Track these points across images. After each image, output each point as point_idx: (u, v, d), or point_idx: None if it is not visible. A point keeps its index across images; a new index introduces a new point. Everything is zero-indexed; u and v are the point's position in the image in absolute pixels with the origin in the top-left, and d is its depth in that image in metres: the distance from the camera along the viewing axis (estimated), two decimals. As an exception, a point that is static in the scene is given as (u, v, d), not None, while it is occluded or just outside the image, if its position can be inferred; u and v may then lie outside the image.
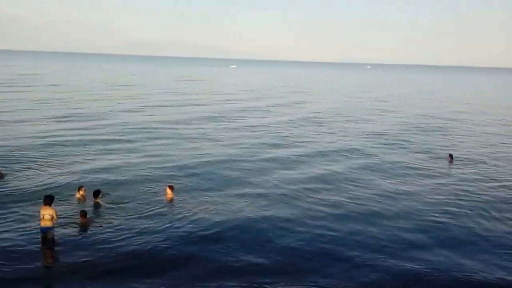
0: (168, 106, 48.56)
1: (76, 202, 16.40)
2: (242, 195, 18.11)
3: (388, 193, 18.92)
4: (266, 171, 21.96)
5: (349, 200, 17.86)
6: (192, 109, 46.02)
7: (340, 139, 31.65)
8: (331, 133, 34.39)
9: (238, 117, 41.63)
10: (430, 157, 26.38)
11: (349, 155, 26.35)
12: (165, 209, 16.16)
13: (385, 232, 14.72)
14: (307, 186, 19.66)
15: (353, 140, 31.44)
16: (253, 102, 56.02)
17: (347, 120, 42.00)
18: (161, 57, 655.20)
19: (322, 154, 26.40)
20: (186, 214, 15.65)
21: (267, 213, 16.07)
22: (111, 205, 16.22)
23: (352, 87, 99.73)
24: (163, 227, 14.53)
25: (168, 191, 17.54)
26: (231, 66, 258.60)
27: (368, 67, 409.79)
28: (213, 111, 45.10)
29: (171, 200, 17.16)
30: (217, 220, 15.24)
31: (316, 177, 21.21)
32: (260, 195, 18.10)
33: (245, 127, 35.62)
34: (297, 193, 18.51)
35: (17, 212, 15.25)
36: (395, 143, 30.59)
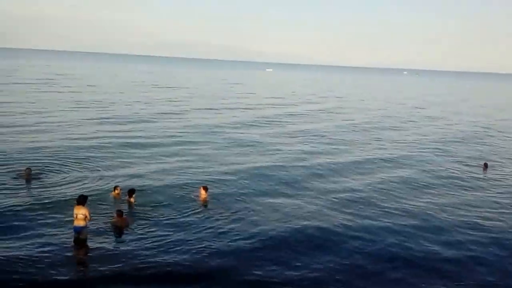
0: (207, 109, 48.28)
1: (111, 201, 16.47)
2: (282, 204, 17.51)
3: (424, 206, 18.13)
4: (307, 179, 21.31)
5: (385, 213, 17.08)
6: (232, 114, 45.52)
7: (380, 147, 30.78)
8: (371, 141, 33.36)
9: (279, 122, 41.03)
10: (471, 165, 25.87)
11: (388, 164, 25.52)
12: (200, 214, 15.83)
13: (421, 248, 14.13)
14: (344, 196, 18.89)
15: (393, 148, 30.60)
16: (294, 108, 55.00)
17: (389, 128, 40.76)
18: (193, 59, 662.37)
19: (361, 163, 25.56)
20: (223, 221, 15.32)
21: (305, 224, 15.47)
22: (146, 205, 16.21)
23: (392, 93, 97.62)
24: (197, 232, 14.24)
25: (202, 191, 17.47)
26: (267, 70, 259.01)
27: (405, 72, 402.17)
28: (254, 115, 44.41)
29: (205, 201, 17.12)
30: (253, 230, 14.73)
31: (353, 188, 20.35)
32: (299, 206, 17.36)
33: (288, 133, 34.94)
34: (334, 205, 17.73)
35: (50, 212, 15.26)
36: (437, 151, 29.97)
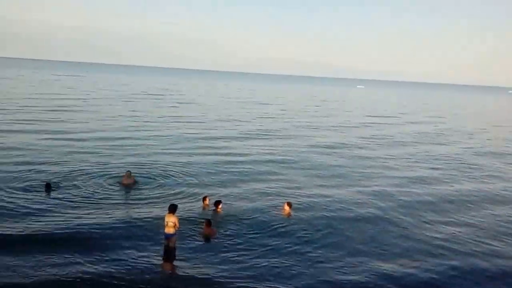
0: (303, 127, 46.79)
1: (200, 211, 17.12)
2: (376, 234, 16.22)
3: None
4: (410, 209, 19.36)
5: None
6: (327, 133, 43.56)
7: (497, 175, 27.59)
8: (492, 168, 29.90)
9: (381, 144, 38.18)
10: None
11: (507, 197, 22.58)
12: (284, 237, 15.33)
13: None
14: (446, 236, 16.26)
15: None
16: (398, 128, 51.43)
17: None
18: (281, 75, 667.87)
19: (475, 192, 22.88)
20: (307, 244, 14.85)
21: (401, 263, 13.91)
22: (233, 217, 16.62)
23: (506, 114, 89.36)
24: (280, 252, 14.04)
25: (286, 207, 17.75)
26: (358, 86, 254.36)
27: (511, 92, 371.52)
28: (352, 136, 42.21)
29: (289, 216, 17.23)
30: (347, 258, 13.89)
31: (466, 222, 18.06)
32: (396, 242, 15.59)
33: (393, 156, 32.13)
34: (436, 243, 15.61)
35: (144, 223, 15.85)
36: None
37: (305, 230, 15.94)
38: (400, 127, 53.03)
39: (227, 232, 15.23)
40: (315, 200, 19.63)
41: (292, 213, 17.50)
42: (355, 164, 28.56)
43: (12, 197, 17.60)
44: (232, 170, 24.63)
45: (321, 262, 13.53)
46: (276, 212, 17.54)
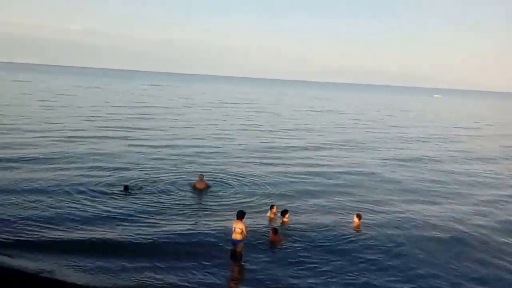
0: (382, 138, 44.86)
1: (267, 219, 17.34)
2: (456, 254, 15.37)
3: None
4: (493, 230, 17.94)
5: None
6: (408, 146, 41.25)
7: None
8: None
9: (470, 157, 35.83)
10: None
11: None
12: (351, 253, 14.89)
13: None
14: None
15: None
16: (486, 140, 48.13)
17: None
18: (354, 84, 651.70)
19: None
20: (378, 255, 14.69)
21: None
22: (299, 226, 16.68)
23: None
24: (351, 265, 13.92)
25: (355, 219, 17.60)
26: (434, 96, 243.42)
27: None
28: (443, 149, 39.75)
29: (358, 228, 17.04)
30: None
31: None
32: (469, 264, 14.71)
33: (485, 173, 30.21)
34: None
35: (213, 223, 16.57)
36: None
37: (377, 247, 15.37)
38: (485, 140, 49.67)
39: (295, 244, 15.11)
40: (389, 216, 18.93)
41: (362, 225, 17.16)
42: (434, 179, 27.04)
43: (91, 200, 18.75)
44: (305, 181, 24.48)
45: (394, 281, 13.02)
46: (346, 225, 17.23)
